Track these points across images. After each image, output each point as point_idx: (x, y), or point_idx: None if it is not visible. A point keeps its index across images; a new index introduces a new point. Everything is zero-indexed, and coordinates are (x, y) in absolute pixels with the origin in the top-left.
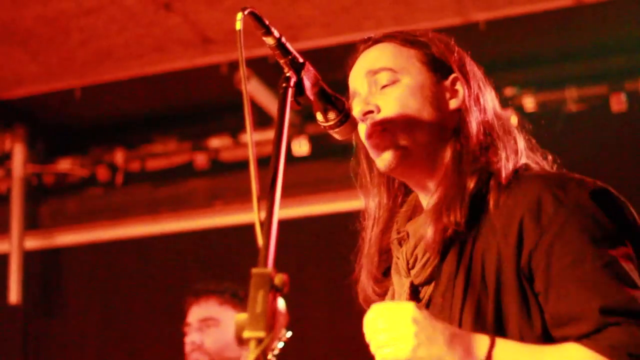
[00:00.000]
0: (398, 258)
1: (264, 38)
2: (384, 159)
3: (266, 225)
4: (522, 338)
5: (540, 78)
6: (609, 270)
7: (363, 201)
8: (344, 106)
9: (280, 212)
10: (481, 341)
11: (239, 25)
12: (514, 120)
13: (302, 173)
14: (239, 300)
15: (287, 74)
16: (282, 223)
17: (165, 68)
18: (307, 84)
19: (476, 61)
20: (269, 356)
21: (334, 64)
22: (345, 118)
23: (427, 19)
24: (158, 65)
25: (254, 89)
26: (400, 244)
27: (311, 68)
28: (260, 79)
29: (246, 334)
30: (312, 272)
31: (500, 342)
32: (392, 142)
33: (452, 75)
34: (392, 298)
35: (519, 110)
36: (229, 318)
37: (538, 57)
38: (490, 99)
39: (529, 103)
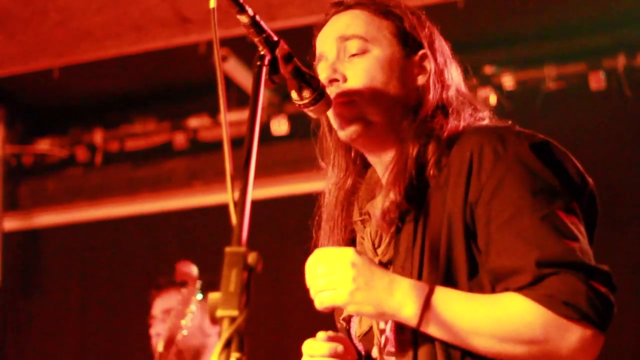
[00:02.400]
0: (363, 239)
1: (238, 16)
2: (347, 131)
3: (240, 204)
4: None
5: (518, 56)
6: (546, 222)
7: (323, 164)
8: (319, 84)
9: (260, 191)
10: (420, 287)
11: (212, 3)
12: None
13: (282, 152)
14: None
15: (262, 52)
16: (262, 202)
17: (144, 48)
18: (282, 62)
19: (455, 40)
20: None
21: (312, 42)
22: (320, 96)
23: None
24: (136, 45)
25: (232, 69)
26: (364, 225)
27: (286, 46)
28: (239, 58)
29: (219, 313)
30: (292, 250)
31: (439, 289)
32: (357, 114)
33: (422, 51)
34: None
35: (498, 88)
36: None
37: (516, 35)
38: (455, 76)
39: (508, 81)
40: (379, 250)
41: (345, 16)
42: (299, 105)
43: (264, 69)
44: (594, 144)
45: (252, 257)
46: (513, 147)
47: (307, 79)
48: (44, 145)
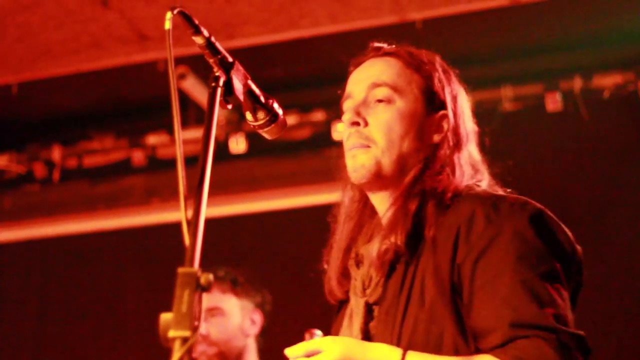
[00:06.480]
0: (355, 279)
1: (194, 37)
2: (358, 174)
3: (193, 224)
4: (456, 352)
5: (475, 77)
6: (524, 286)
7: (339, 193)
8: (273, 106)
9: (217, 209)
10: (393, 354)
11: (167, 25)
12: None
13: (239, 170)
14: (240, 287)
15: (217, 74)
16: (219, 220)
17: (102, 64)
18: (236, 83)
19: None
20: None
21: (271, 61)
22: (275, 118)
23: (364, 17)
24: (95, 62)
25: (191, 87)
26: (357, 266)
27: (240, 67)
28: (197, 76)
29: (171, 333)
30: (249, 269)
31: (411, 354)
32: (370, 161)
33: (443, 112)
34: (350, 317)
35: None
36: (232, 306)
37: (474, 56)
38: (470, 137)
39: None
40: (367, 292)
41: (380, 63)
42: (254, 126)
43: (219, 90)
44: (551, 164)
45: (204, 278)
46: (505, 214)
47: (262, 101)
48: (1, 161)
